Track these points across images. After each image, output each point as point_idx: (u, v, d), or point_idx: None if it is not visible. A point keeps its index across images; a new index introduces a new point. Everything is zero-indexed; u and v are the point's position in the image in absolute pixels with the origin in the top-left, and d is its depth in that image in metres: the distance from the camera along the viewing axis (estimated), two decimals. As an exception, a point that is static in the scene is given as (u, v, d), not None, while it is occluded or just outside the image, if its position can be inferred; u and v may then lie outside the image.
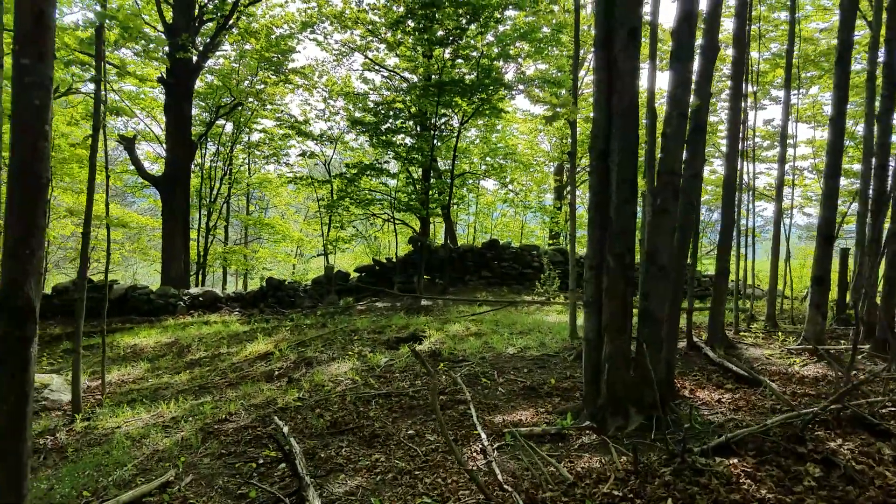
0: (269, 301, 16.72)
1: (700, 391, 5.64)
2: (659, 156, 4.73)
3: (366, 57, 22.77)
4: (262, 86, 21.96)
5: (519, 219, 25.99)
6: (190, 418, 5.88)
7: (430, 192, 16.87)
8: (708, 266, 23.37)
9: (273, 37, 20.52)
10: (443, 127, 15.93)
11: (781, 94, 19.20)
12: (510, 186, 20.40)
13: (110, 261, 26.93)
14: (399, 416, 5.28)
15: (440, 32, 14.35)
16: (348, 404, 5.63)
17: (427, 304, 14.11)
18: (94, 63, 7.30)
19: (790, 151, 15.92)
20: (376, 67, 22.33)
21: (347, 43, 22.03)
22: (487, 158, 20.79)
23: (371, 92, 20.96)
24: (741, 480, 3.92)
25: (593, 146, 4.71)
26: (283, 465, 4.43)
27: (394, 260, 17.76)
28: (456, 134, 15.88)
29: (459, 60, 15.91)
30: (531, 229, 25.73)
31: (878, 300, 8.48)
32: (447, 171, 18.05)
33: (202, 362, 9.30)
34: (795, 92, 17.29)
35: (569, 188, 21.54)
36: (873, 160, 9.80)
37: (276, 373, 7.55)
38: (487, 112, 16.31)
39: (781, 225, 11.76)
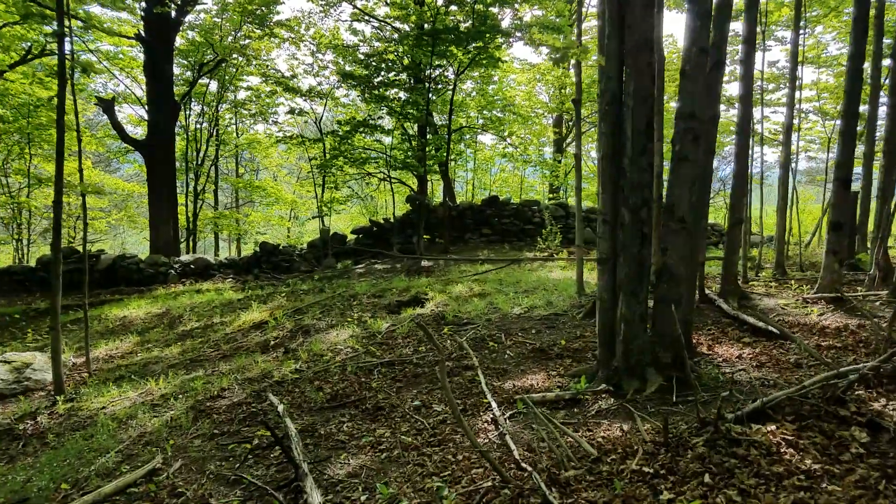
0: (263, 267, 16.29)
1: (718, 347, 5.28)
2: (676, 98, 4.23)
3: (354, 6, 21.71)
4: (247, 41, 21.03)
5: (518, 174, 25.37)
6: (180, 395, 5.51)
7: (427, 149, 16.27)
8: (713, 214, 22.93)
9: (256, -12, 19.49)
10: (438, 79, 15.21)
11: (788, 34, 18.45)
12: (509, 140, 19.72)
13: (95, 230, 26.29)
14: (403, 385, 4.91)
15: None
16: (349, 375, 5.25)
17: (428, 264, 13.69)
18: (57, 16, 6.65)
19: (797, 94, 15.34)
20: (366, 17, 21.32)
21: (334, -8, 20.97)
22: (485, 112, 20.05)
23: (361, 44, 20.07)
24: (782, 450, 3.56)
25: (605, 89, 4.19)
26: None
27: (392, 220, 17.27)
28: (452, 86, 15.17)
29: (453, 7, 15.06)
30: (531, 184, 25.15)
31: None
32: (443, 126, 17.40)
33: (194, 333, 8.92)
34: (803, 32, 16.56)
35: (570, 139, 20.90)
36: (884, 99, 9.28)
37: (272, 343, 7.17)
38: (484, 62, 15.56)
39: (790, 170, 11.33)
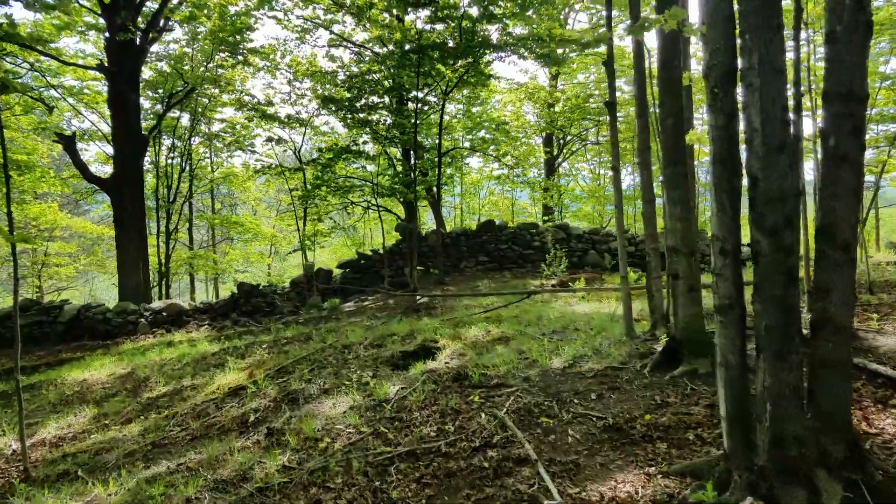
0: (242, 310, 14.87)
1: (873, 416, 3.91)
2: (823, 69, 3.03)
3: (331, 32, 20.75)
4: (220, 71, 19.85)
5: (507, 196, 24.31)
6: (131, 510, 4.12)
7: (415, 173, 15.11)
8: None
9: (227, 16, 18.38)
10: (424, 100, 14.09)
11: None
12: (502, 160, 18.64)
13: (61, 277, 24.55)
14: (435, 493, 3.58)
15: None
16: (356, 476, 3.91)
17: (423, 300, 12.40)
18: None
19: None
20: (344, 43, 20.35)
21: (310, 19, 20.05)
22: (472, 134, 19.04)
23: (340, 70, 19.01)
24: None
25: (713, 63, 2.98)
26: None
27: (380, 251, 15.99)
28: (440, 106, 14.08)
29: (438, 27, 13.99)
30: (522, 206, 24.08)
31: None
32: (432, 149, 16.26)
33: (160, 403, 7.49)
34: None
35: (561, 159, 19.87)
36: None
37: (252, 418, 5.79)
38: (472, 80, 14.52)
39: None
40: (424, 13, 13.14)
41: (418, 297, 12.53)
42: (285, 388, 6.44)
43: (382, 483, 3.77)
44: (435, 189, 17.84)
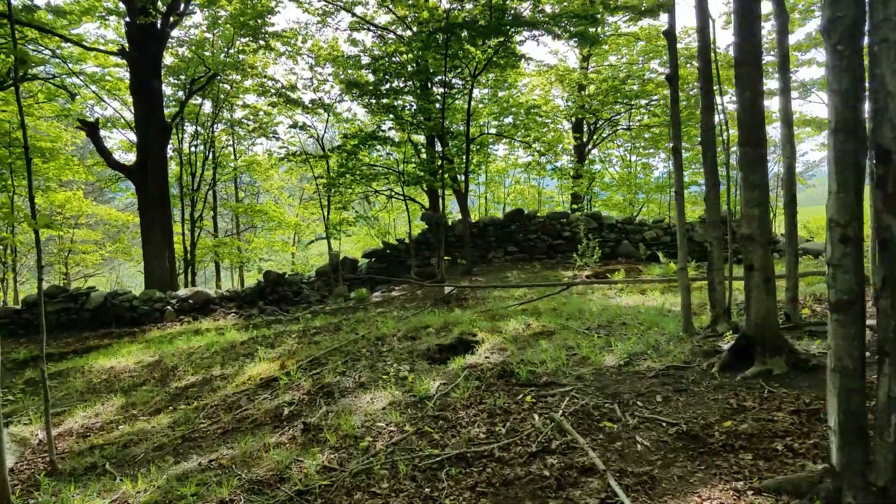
0: (268, 298, 14.69)
1: None
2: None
3: (353, 15, 20.38)
4: (242, 57, 19.58)
5: (533, 185, 23.82)
6: (163, 511, 3.87)
7: (442, 161, 14.74)
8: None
9: (248, -1, 18.08)
10: (451, 82, 13.68)
11: None
12: (535, 145, 18.14)
13: (88, 265, 24.72)
14: (491, 502, 3.25)
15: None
16: (403, 480, 3.60)
17: (450, 289, 12.08)
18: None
19: None
20: (366, 26, 19.96)
21: (332, 1, 19.67)
22: (500, 119, 18.57)
23: (362, 54, 18.64)
24: None
25: (836, 16, 2.56)
26: None
27: (406, 241, 15.68)
28: (469, 89, 13.62)
29: (467, 6, 13.52)
30: (548, 195, 23.57)
31: None
32: (458, 135, 15.86)
33: (189, 393, 7.28)
34: None
35: (591, 145, 19.28)
36: None
37: (286, 411, 5.52)
38: (502, 61, 14.05)
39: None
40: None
41: (447, 288, 12.20)
42: (319, 381, 6.16)
43: (433, 490, 3.45)
44: (461, 177, 17.51)
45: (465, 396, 4.81)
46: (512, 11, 12.59)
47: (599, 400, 4.32)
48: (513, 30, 11.87)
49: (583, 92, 18.72)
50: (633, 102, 18.86)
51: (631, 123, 20.81)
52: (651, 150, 22.45)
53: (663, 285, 9.63)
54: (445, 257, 13.65)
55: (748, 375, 4.40)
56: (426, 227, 16.23)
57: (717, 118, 5.88)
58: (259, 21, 18.28)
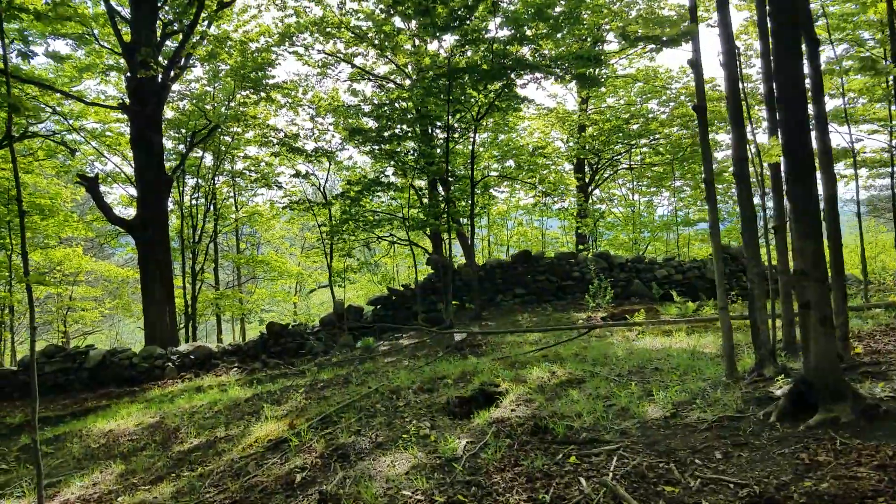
0: (271, 351, 14.24)
1: None
2: None
3: (353, 66, 20.62)
4: (242, 110, 19.63)
5: (536, 227, 23.63)
6: None
7: (448, 204, 14.55)
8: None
9: (248, 53, 18.24)
10: (456, 126, 13.59)
11: None
12: (541, 185, 17.99)
13: (87, 322, 24.25)
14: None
15: (444, 14, 12.05)
16: (441, 564, 3.15)
17: (461, 337, 11.65)
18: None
19: None
20: (366, 76, 20.13)
21: (332, 54, 19.94)
22: (501, 162, 18.49)
23: (362, 104, 18.73)
24: None
25: None
26: None
27: (412, 287, 15.33)
28: (473, 129, 13.50)
29: (468, 52, 13.54)
30: (552, 236, 23.35)
31: None
32: (463, 178, 15.70)
33: (193, 458, 6.80)
34: None
35: (593, 186, 19.12)
36: None
37: (298, 478, 5.06)
38: (504, 105, 14.01)
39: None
40: (453, 38, 12.70)
41: (457, 335, 11.79)
42: (332, 442, 5.71)
43: (477, 575, 3.00)
44: (465, 220, 17.31)
45: (498, 457, 4.38)
46: (513, 56, 12.58)
47: (652, 459, 3.89)
48: (514, 73, 11.83)
49: (583, 133, 18.72)
50: (633, 142, 18.84)
51: (632, 163, 20.79)
52: (654, 189, 22.36)
53: (687, 326, 9.24)
54: (453, 302, 13.27)
55: (812, 425, 3.99)
56: (431, 271, 15.90)
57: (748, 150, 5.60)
58: (259, 73, 18.41)
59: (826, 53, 12.91)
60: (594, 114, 19.01)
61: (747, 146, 5.44)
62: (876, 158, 18.59)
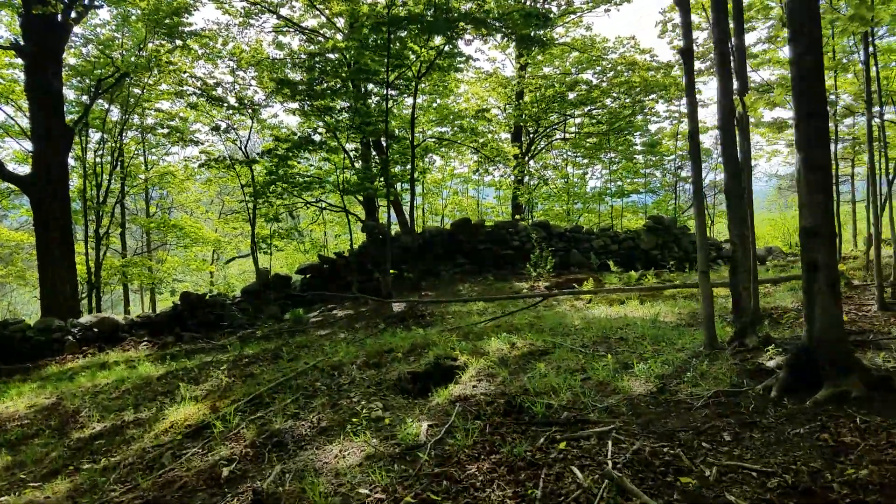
0: (187, 323, 13.03)
1: None
2: None
3: (279, 16, 19.12)
4: (155, 60, 17.74)
5: (472, 196, 23.09)
6: None
7: (376, 169, 13.70)
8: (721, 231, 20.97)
9: (162, -3, 16.41)
10: (395, 83, 12.65)
11: None
12: (485, 150, 17.31)
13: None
14: None
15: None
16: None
17: (401, 307, 10.98)
18: None
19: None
20: (294, 28, 18.73)
21: (255, 2, 18.42)
22: (437, 128, 17.72)
23: (288, 59, 17.38)
24: None
25: None
26: None
27: (345, 255, 14.42)
28: (414, 87, 12.61)
29: (408, 3, 12.56)
30: (488, 206, 22.89)
31: None
32: (402, 139, 14.83)
33: (95, 447, 5.82)
34: None
35: (527, 157, 18.69)
36: None
37: (225, 472, 4.26)
38: (446, 62, 13.20)
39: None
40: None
41: (395, 305, 11.09)
42: (265, 428, 4.91)
43: None
44: (401, 185, 16.49)
45: (469, 443, 3.74)
46: (457, 10, 11.74)
47: (653, 443, 3.37)
48: (461, 25, 11.02)
49: (521, 100, 18.20)
50: (569, 112, 18.55)
51: (567, 134, 20.56)
52: (586, 161, 22.28)
53: (637, 295, 8.95)
54: (391, 271, 12.53)
55: (820, 400, 3.60)
56: (366, 239, 15.06)
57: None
58: (175, 19, 16.64)
59: None
60: (531, 79, 18.50)
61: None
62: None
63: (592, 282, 10.25)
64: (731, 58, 5.05)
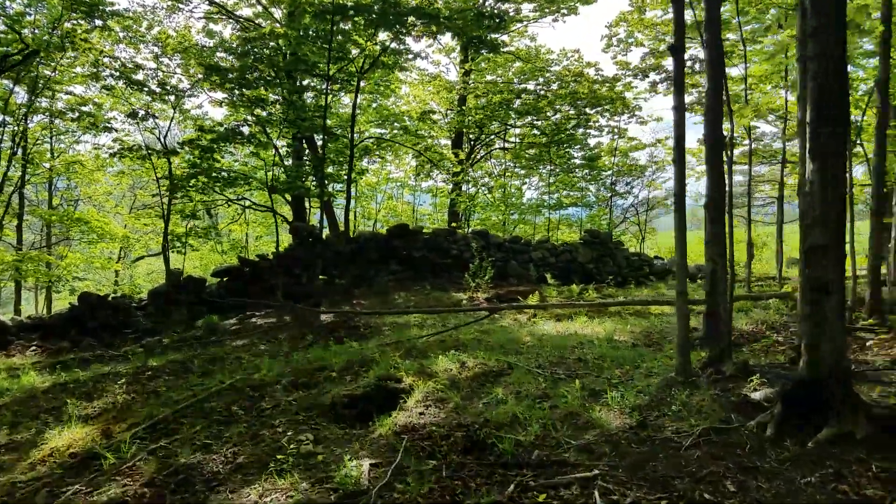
0: (86, 327, 11.67)
1: None
2: None
3: (211, 2, 17.91)
4: (70, 39, 16.04)
5: (407, 202, 22.39)
6: None
7: (307, 168, 12.84)
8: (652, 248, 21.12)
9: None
10: (336, 77, 11.83)
11: None
12: (427, 153, 16.66)
13: None
14: None
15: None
16: None
17: (328, 317, 10.16)
18: None
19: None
20: (227, 16, 17.59)
21: (185, -15, 17.20)
22: (374, 129, 17.00)
23: (219, 48, 16.19)
24: None
25: None
26: None
27: (269, 257, 13.39)
28: (356, 83, 11.84)
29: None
30: (423, 213, 22.24)
31: None
32: (341, 137, 14.00)
33: (-53, 482, 4.71)
34: None
35: (467, 164, 18.26)
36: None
37: (115, 522, 3.40)
38: (391, 61, 12.54)
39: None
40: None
41: (325, 314, 10.26)
42: (169, 461, 4.04)
43: None
44: (332, 186, 15.65)
45: (424, 491, 3.07)
46: (405, 5, 11.13)
47: (647, 493, 2.82)
48: (410, 20, 10.40)
49: (464, 106, 17.79)
50: (509, 122, 18.34)
51: (506, 145, 20.35)
52: (523, 172, 22.11)
53: (586, 310, 8.56)
54: (321, 276, 11.66)
55: (823, 441, 3.20)
56: (293, 241, 14.11)
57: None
58: (94, -7, 15.09)
59: None
60: (476, 85, 18.13)
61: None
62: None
63: (538, 295, 9.81)
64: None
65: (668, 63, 16.96)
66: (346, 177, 13.35)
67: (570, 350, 5.75)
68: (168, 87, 13.08)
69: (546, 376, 4.85)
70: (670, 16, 16.83)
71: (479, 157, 19.96)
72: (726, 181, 4.61)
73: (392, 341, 6.70)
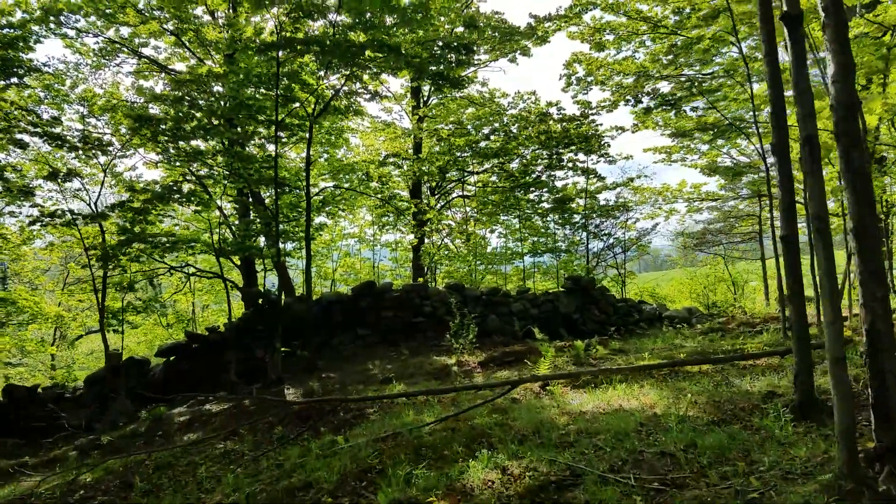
0: (12, 426, 9.84)
1: None
2: None
3: (140, 57, 16.65)
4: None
5: (364, 259, 20.97)
6: None
7: (256, 226, 11.44)
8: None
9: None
10: (286, 123, 10.58)
11: None
12: (394, 202, 15.41)
13: None
14: None
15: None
16: None
17: (298, 402, 8.66)
18: None
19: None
20: (160, 71, 16.35)
21: (112, 41, 16.04)
22: (337, 179, 15.78)
23: (151, 104, 14.79)
24: None
25: None
26: None
27: (220, 329, 11.76)
28: (309, 128, 10.61)
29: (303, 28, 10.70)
30: (384, 269, 20.82)
31: None
32: (294, 191, 12.67)
33: None
34: None
35: (426, 214, 17.09)
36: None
37: None
38: (344, 105, 11.43)
39: None
40: (282, 8, 9.76)
41: (290, 400, 8.73)
42: None
43: None
44: (285, 245, 14.22)
45: None
46: (355, 42, 10.07)
47: None
48: (368, 54, 9.32)
49: (419, 153, 16.81)
50: (469, 170, 17.47)
51: (465, 193, 19.41)
52: (487, 220, 21.14)
53: (619, 376, 7.30)
54: (284, 349, 10.13)
55: None
56: (247, 310, 12.53)
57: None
58: (10, 52, 13.56)
59: None
60: (435, 132, 17.21)
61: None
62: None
63: (548, 358, 8.49)
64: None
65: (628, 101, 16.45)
66: (302, 233, 11.99)
67: (636, 437, 4.46)
68: (93, 143, 11.54)
69: (633, 487, 3.53)
70: (624, 54, 16.49)
71: (438, 206, 18.90)
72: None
73: (388, 433, 5.26)
